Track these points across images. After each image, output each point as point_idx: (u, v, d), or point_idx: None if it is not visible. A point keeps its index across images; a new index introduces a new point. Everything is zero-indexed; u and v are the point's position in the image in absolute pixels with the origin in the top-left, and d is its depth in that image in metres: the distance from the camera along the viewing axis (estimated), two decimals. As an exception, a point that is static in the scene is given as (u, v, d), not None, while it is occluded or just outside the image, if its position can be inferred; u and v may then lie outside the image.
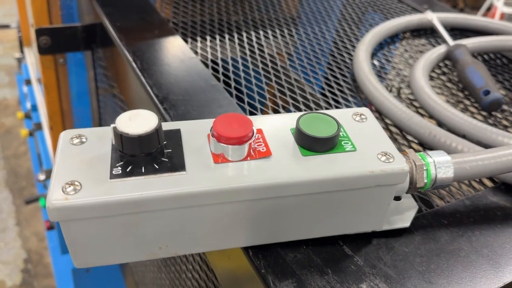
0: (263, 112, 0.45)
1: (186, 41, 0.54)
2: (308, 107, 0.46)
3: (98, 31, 0.62)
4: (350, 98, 0.48)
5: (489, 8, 2.80)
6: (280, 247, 0.29)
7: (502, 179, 0.36)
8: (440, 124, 0.44)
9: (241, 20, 0.63)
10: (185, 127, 0.29)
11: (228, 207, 0.26)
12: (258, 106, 0.45)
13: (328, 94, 0.49)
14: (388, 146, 0.28)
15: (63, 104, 0.86)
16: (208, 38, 0.57)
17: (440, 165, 0.30)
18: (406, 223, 0.31)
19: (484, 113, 0.48)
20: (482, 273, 0.28)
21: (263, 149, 0.27)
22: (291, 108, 0.46)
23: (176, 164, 0.26)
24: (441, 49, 0.55)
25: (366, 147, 0.28)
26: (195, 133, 0.28)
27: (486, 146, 0.39)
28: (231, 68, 0.50)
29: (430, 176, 0.29)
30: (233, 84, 0.48)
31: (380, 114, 0.46)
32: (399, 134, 0.43)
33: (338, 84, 0.51)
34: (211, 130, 0.27)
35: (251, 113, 0.44)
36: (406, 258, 0.29)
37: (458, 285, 0.27)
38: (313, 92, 0.49)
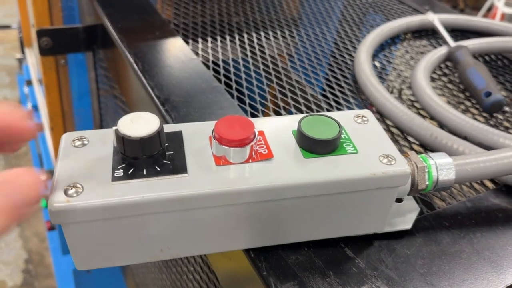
0: (264, 114, 0.45)
1: (187, 43, 0.54)
2: (309, 108, 0.46)
3: (99, 32, 0.62)
4: (351, 100, 0.48)
5: (489, 9, 2.80)
6: (281, 249, 0.29)
7: (503, 181, 0.36)
8: (442, 125, 0.44)
9: (242, 21, 0.63)
10: (186, 129, 0.29)
11: (230, 209, 0.26)
12: (259, 107, 0.45)
13: (329, 95, 0.49)
14: (390, 148, 0.28)
15: (64, 105, 0.87)
16: (209, 39, 0.57)
17: (441, 167, 0.30)
18: (408, 225, 0.31)
19: (485, 114, 0.48)
20: (483, 275, 0.28)
21: (264, 151, 0.27)
22: (292, 109, 0.46)
23: (178, 166, 0.26)
24: (442, 50, 0.55)
25: (367, 149, 0.28)
26: (196, 135, 0.28)
27: (487, 147, 0.39)
28: (232, 70, 0.50)
29: (432, 178, 0.29)
30: (234, 85, 0.48)
31: (381, 116, 0.46)
32: (400, 135, 0.43)
33: (339, 85, 0.51)
34: (212, 132, 0.27)
35: (252, 115, 0.44)
36: (407, 260, 0.29)
37: (460, 287, 0.27)
38: (314, 93, 0.49)
